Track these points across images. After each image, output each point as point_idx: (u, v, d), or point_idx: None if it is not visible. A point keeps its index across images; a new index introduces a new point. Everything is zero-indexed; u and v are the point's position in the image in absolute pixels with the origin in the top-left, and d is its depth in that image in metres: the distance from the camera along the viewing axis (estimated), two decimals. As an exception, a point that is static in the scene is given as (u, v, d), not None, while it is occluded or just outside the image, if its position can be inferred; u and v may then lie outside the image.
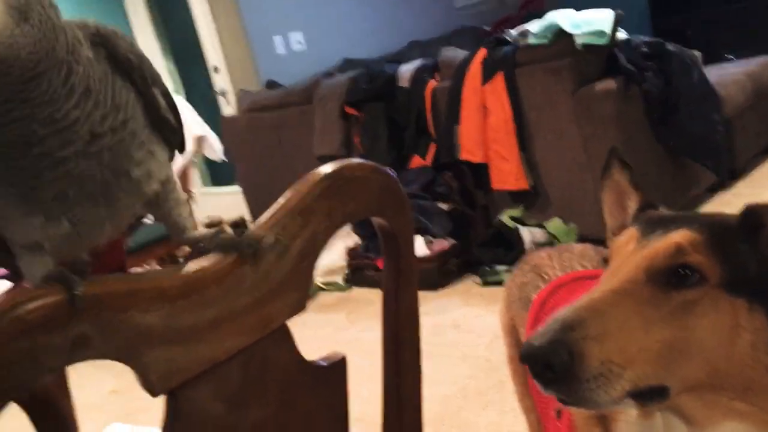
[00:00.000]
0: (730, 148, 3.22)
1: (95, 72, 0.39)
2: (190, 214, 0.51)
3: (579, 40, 2.77)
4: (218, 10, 4.65)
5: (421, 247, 3.00)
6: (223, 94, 4.81)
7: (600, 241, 3.07)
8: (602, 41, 2.77)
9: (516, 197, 3.07)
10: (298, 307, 0.50)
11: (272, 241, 0.45)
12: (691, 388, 0.62)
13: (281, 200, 0.49)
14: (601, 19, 2.79)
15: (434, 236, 3.09)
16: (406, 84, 3.38)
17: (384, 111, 3.42)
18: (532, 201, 3.04)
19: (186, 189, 3.71)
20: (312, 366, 0.54)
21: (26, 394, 0.37)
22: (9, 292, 0.37)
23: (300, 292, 0.49)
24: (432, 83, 3.29)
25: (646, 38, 2.98)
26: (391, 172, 0.55)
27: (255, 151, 4.13)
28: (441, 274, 3.02)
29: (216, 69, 4.77)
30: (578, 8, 2.97)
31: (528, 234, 2.87)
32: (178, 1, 4.97)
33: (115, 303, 0.39)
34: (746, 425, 0.62)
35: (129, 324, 0.40)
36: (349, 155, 3.52)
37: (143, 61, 0.43)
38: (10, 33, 0.34)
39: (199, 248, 0.48)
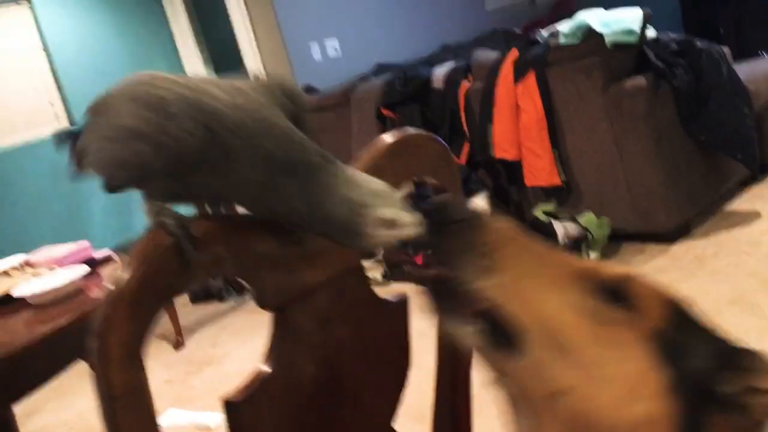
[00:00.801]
0: (760, 141, 3.26)
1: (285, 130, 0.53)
2: None
3: (609, 39, 2.86)
4: (256, 18, 4.83)
5: (481, 203, 3.11)
6: (262, 100, 4.97)
7: (631, 235, 3.13)
8: (631, 40, 2.85)
9: (549, 193, 3.15)
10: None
11: None
12: None
13: (356, 160, 0.61)
14: (631, 18, 2.88)
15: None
16: (440, 85, 3.49)
17: (419, 112, 3.54)
18: (565, 196, 3.12)
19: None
20: (382, 300, 0.65)
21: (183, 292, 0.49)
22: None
23: (373, 235, 0.62)
24: (465, 84, 3.40)
25: (675, 36, 3.05)
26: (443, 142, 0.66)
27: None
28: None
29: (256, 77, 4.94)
30: (608, 8, 3.05)
31: (561, 228, 2.96)
32: (218, 9, 5.16)
33: (238, 233, 0.52)
34: None
35: (249, 250, 0.52)
36: (385, 155, 3.63)
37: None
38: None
39: None
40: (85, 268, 1.55)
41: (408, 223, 0.53)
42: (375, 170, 0.61)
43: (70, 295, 1.48)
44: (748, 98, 3.06)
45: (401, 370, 0.70)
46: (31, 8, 4.89)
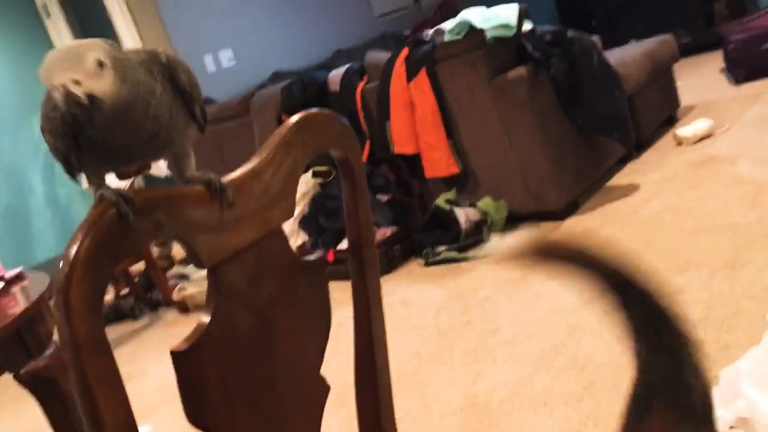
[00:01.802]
0: (634, 121, 3.56)
1: (163, 101, 0.63)
2: (194, 168, 0.73)
3: (489, 34, 3.06)
4: (146, 32, 4.78)
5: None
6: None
7: (526, 216, 3.34)
8: (509, 33, 3.07)
9: (448, 182, 3.33)
10: (288, 214, 0.71)
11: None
12: None
13: (270, 139, 0.70)
14: (508, 13, 3.09)
15: (377, 226, 3.32)
16: (337, 88, 3.61)
17: (318, 115, 3.63)
18: (464, 184, 3.30)
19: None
20: (302, 261, 0.75)
21: (125, 260, 0.56)
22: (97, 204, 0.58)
23: (288, 201, 0.70)
24: (361, 85, 3.52)
25: (549, 27, 3.29)
26: (344, 120, 0.76)
27: (199, 167, 4.27)
28: (387, 260, 3.24)
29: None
30: (489, 6, 3.26)
31: (463, 214, 3.13)
32: (102, 24, 5.06)
33: (176, 201, 0.60)
34: None
35: (184, 216, 0.61)
36: (289, 160, 3.70)
37: (194, 87, 0.68)
38: (117, 89, 0.59)
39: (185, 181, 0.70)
40: (-2, 285, 1.55)
41: None
42: (286, 146, 0.70)
43: (-15, 313, 1.48)
44: (619, 82, 3.34)
45: (324, 324, 0.79)
46: None
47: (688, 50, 5.54)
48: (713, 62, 5.22)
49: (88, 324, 0.53)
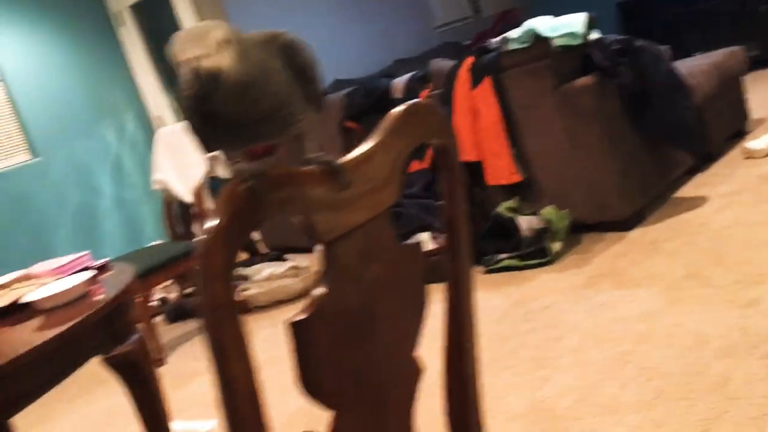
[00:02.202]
0: (703, 132, 3.49)
1: (281, 78, 0.68)
2: (313, 150, 0.76)
3: (555, 43, 3.06)
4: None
5: (427, 242, 3.25)
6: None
7: (590, 225, 3.33)
8: (576, 42, 3.06)
9: (511, 190, 3.33)
10: (394, 197, 0.74)
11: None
12: None
13: (379, 127, 0.73)
14: (575, 21, 3.09)
15: (439, 233, 3.34)
16: (400, 95, 3.65)
17: (381, 122, 3.68)
18: (526, 192, 3.30)
19: (201, 208, 3.94)
20: (402, 244, 0.78)
21: (258, 227, 0.60)
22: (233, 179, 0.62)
23: (394, 186, 0.74)
24: (425, 92, 3.56)
25: (618, 36, 3.27)
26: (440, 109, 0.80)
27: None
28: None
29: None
30: (555, 15, 3.27)
31: (525, 222, 3.12)
32: (173, 31, 5.23)
33: (299, 180, 0.64)
34: None
35: (306, 194, 0.65)
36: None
37: (312, 66, 0.72)
38: (238, 65, 0.63)
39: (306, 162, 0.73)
40: (89, 273, 1.63)
41: None
42: (394, 133, 0.74)
43: (77, 298, 1.56)
44: (689, 92, 3.29)
45: (420, 307, 0.82)
46: (-14, 41, 4.91)
47: (757, 63, 5.41)
48: (784, 75, 5.09)
49: (224, 288, 0.57)
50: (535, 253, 3.10)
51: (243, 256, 4.59)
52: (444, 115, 0.79)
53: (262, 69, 0.66)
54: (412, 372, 0.82)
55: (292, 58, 0.69)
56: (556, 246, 3.11)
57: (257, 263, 4.08)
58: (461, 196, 0.83)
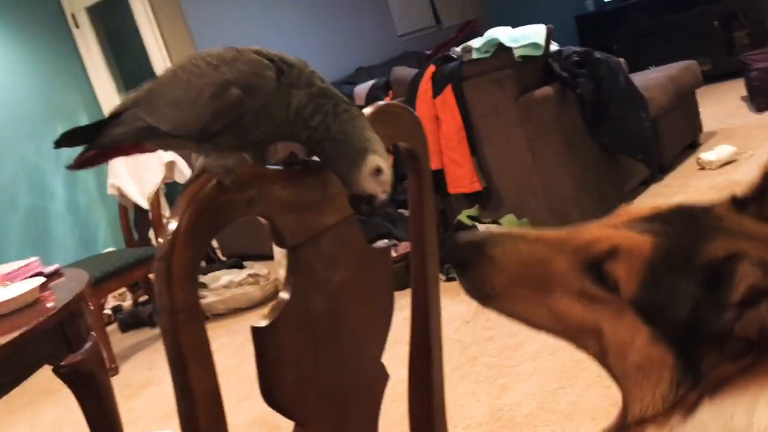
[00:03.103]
0: (658, 144, 3.57)
1: (301, 101, 0.65)
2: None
3: (517, 53, 3.09)
4: (172, 43, 4.84)
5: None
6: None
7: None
8: (538, 52, 3.10)
9: (471, 199, 3.34)
10: (363, 200, 0.73)
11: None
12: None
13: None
14: (536, 33, 3.13)
15: (399, 240, 3.33)
16: (362, 102, 3.65)
17: (343, 129, 3.66)
18: (486, 201, 3.32)
19: (157, 214, 3.86)
20: (370, 247, 0.76)
21: (222, 227, 0.58)
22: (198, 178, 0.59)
23: (364, 189, 0.73)
24: (386, 100, 3.56)
25: (577, 48, 3.32)
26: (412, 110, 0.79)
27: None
28: (408, 273, 3.24)
29: (173, 102, 4.94)
30: (513, 26, 3.30)
31: (485, 230, 3.14)
32: (130, 36, 5.14)
33: (267, 180, 0.62)
34: None
35: (274, 195, 0.62)
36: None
37: (329, 93, 0.67)
38: (274, 85, 0.62)
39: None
40: (40, 279, 1.57)
41: (389, 180, 0.65)
42: (364, 133, 0.72)
43: (27, 305, 1.50)
44: (645, 104, 3.36)
45: (387, 312, 0.81)
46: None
47: (709, 78, 5.56)
48: (734, 90, 5.24)
49: (186, 292, 0.55)
50: (495, 261, 3.11)
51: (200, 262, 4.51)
52: (415, 118, 0.78)
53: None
54: (378, 378, 0.81)
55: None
56: (516, 254, 3.12)
57: (215, 270, 4.02)
58: (430, 203, 0.82)
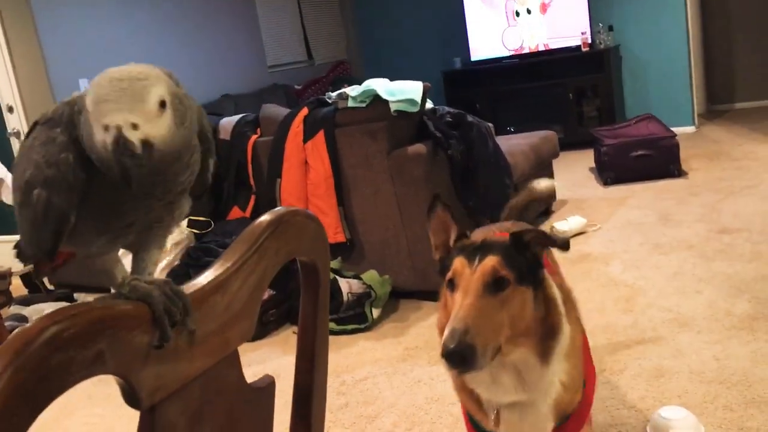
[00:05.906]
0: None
1: (197, 150, 0.51)
2: (154, 265, 0.58)
3: (393, 107, 3.04)
4: (17, 50, 4.38)
5: None
6: (18, 135, 4.49)
7: (409, 293, 3.28)
8: (414, 109, 3.06)
9: (334, 250, 3.21)
10: (248, 334, 0.57)
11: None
12: (507, 340, 1.12)
13: (238, 242, 0.56)
14: (413, 89, 3.09)
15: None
16: (227, 137, 3.43)
17: (203, 162, 3.43)
18: (350, 254, 3.21)
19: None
20: (251, 387, 0.60)
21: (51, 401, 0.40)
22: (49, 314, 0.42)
23: (251, 320, 0.57)
24: (253, 138, 3.38)
25: (450, 109, 3.33)
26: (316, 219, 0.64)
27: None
28: (260, 324, 3.05)
29: (11, 109, 4.45)
30: (384, 77, 3.26)
31: (346, 284, 3.02)
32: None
33: (124, 324, 0.45)
34: (523, 349, 1.16)
35: (132, 343, 0.45)
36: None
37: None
38: (173, 135, 0.47)
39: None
40: None
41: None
42: (258, 252, 0.57)
43: None
44: (509, 170, 3.42)
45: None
46: None
47: (562, 146, 5.87)
48: (583, 160, 5.56)
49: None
50: (353, 317, 3.00)
51: (22, 291, 4.02)
52: (320, 228, 0.64)
53: (192, 135, 0.51)
54: None
55: (201, 124, 0.54)
56: (376, 312, 3.03)
57: (39, 302, 3.58)
58: (325, 322, 0.68)
